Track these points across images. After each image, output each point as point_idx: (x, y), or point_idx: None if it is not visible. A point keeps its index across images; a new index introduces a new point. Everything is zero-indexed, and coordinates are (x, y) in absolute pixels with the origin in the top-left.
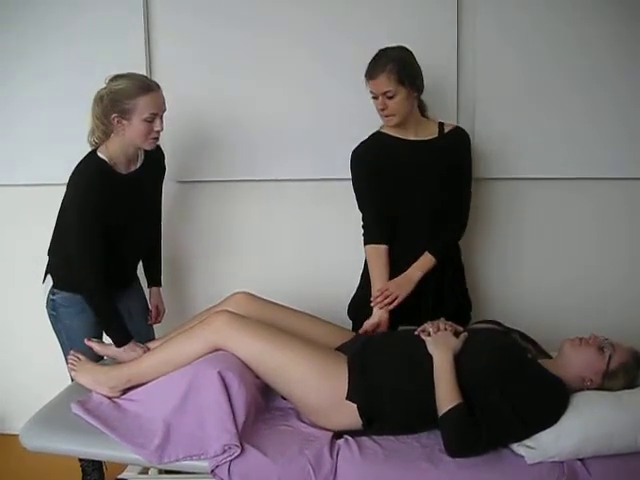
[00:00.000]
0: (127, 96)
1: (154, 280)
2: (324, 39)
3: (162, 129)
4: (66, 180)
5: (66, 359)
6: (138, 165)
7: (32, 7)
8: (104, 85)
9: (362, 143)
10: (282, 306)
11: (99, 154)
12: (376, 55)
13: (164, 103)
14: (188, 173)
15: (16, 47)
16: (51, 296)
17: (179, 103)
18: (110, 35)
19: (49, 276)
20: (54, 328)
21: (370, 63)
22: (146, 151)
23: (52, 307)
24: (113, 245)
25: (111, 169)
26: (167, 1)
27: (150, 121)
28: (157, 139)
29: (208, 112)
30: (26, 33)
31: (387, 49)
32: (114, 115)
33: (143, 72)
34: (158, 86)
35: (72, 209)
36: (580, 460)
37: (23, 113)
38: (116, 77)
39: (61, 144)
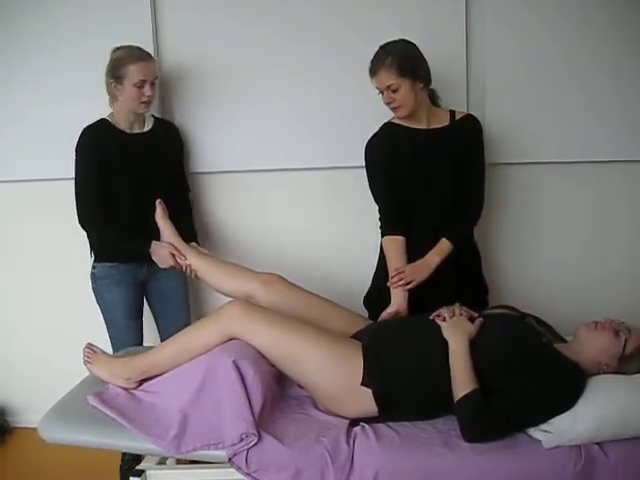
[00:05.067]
0: (121, 64)
1: (187, 236)
2: (334, 30)
3: (152, 94)
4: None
5: (110, 336)
6: (145, 129)
7: (32, 5)
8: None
9: (375, 134)
10: (305, 290)
11: (104, 116)
12: (377, 52)
13: (154, 72)
14: (203, 164)
15: (16, 44)
16: (92, 270)
17: (192, 99)
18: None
19: (93, 252)
20: (98, 303)
21: (371, 60)
22: (158, 122)
23: (93, 280)
24: (129, 199)
25: (112, 125)
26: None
27: (140, 87)
28: (148, 104)
29: (220, 104)
30: (26, 31)
31: (387, 44)
32: (111, 80)
33: None
34: (150, 56)
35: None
36: (597, 444)
37: (24, 110)
38: (116, 49)
39: (63, 139)
